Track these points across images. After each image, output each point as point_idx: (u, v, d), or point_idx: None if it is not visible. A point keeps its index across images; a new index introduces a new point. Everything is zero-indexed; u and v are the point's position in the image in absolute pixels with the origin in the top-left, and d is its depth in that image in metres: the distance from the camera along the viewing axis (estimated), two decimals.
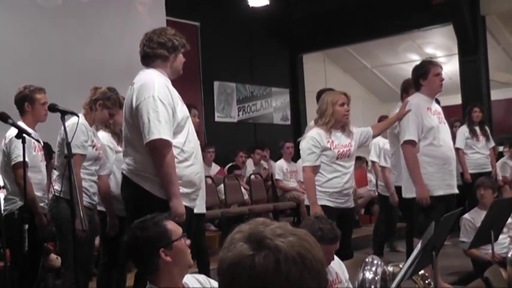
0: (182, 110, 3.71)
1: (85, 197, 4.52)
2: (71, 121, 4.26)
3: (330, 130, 4.86)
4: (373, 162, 7.45)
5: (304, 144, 4.91)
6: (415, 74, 5.39)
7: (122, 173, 3.81)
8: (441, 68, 5.45)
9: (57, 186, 4.41)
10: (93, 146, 4.59)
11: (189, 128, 3.76)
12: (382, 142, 7.01)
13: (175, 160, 3.59)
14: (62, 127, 3.94)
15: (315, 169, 4.84)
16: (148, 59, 3.80)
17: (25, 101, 4.62)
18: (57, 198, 4.38)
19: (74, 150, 4.22)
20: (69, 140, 3.80)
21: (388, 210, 7.13)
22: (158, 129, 3.49)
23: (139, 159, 3.64)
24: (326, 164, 4.83)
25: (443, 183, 5.15)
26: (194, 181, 3.75)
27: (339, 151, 4.83)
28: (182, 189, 3.62)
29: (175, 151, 3.60)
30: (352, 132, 4.99)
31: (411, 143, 5.13)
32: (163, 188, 3.59)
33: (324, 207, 4.73)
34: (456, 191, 5.35)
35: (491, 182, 6.33)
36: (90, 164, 4.61)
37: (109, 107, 4.62)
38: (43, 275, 4.71)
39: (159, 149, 3.52)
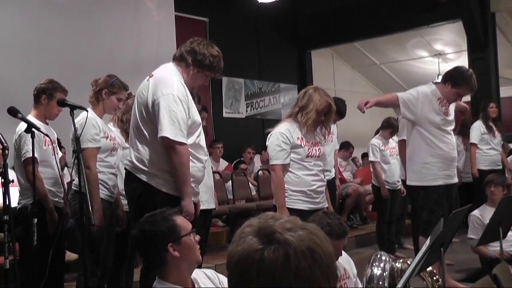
0: (196, 113, 3.73)
1: (104, 190, 4.54)
2: (80, 116, 4.28)
3: (305, 128, 4.43)
4: (372, 162, 7.55)
5: (273, 140, 4.46)
6: (452, 74, 5.40)
7: (125, 169, 3.81)
8: (470, 93, 5.55)
9: (75, 181, 4.44)
10: (107, 137, 4.60)
11: (200, 134, 3.79)
12: (378, 143, 7.53)
13: None
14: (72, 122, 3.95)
15: (285, 168, 4.42)
16: (177, 58, 3.80)
17: (44, 93, 4.61)
18: (75, 192, 4.41)
19: (86, 145, 4.26)
20: (78, 135, 3.81)
21: (381, 199, 7.56)
22: (175, 130, 3.50)
23: (148, 154, 3.63)
24: (296, 161, 4.43)
25: (442, 173, 5.30)
26: (196, 176, 3.77)
27: (309, 149, 4.44)
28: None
29: None
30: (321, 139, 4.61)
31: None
32: (169, 184, 3.60)
33: (296, 211, 4.27)
34: (456, 180, 5.53)
35: (502, 179, 6.33)
36: (107, 156, 4.61)
37: (115, 92, 4.63)
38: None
39: (175, 149, 3.52)
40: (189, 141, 3.65)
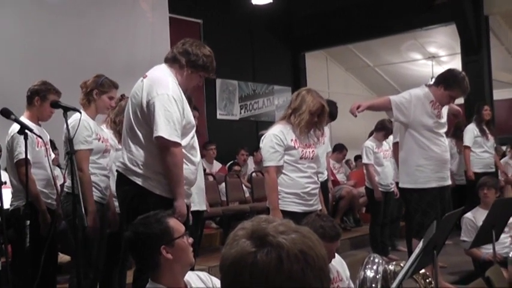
0: (191, 114, 3.73)
1: (96, 191, 4.53)
2: (73, 118, 4.27)
3: (298, 130, 4.42)
4: (365, 164, 7.56)
5: (267, 142, 4.45)
6: (444, 76, 5.40)
7: (117, 171, 3.79)
8: (462, 96, 5.56)
9: (67, 183, 4.42)
10: (99, 139, 4.59)
11: (194, 135, 3.77)
12: (371, 145, 7.55)
13: None
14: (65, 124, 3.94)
15: (278, 170, 4.42)
16: (170, 60, 3.77)
17: (37, 95, 4.60)
18: (67, 194, 4.39)
19: (79, 147, 4.24)
20: (71, 137, 3.80)
21: (374, 201, 7.60)
22: (170, 129, 3.48)
23: (141, 155, 3.61)
24: (289, 163, 4.42)
25: (435, 176, 5.33)
26: (189, 179, 3.75)
27: (302, 150, 4.43)
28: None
29: None
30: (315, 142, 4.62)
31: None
32: (162, 186, 3.58)
33: (290, 213, 4.26)
34: (449, 182, 5.54)
35: (494, 181, 6.35)
36: (99, 157, 4.61)
37: (105, 91, 4.62)
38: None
39: (169, 149, 3.51)
40: (183, 142, 3.63)
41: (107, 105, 4.68)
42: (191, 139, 3.74)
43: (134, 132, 3.66)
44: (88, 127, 4.45)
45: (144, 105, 3.57)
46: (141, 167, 3.61)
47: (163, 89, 3.55)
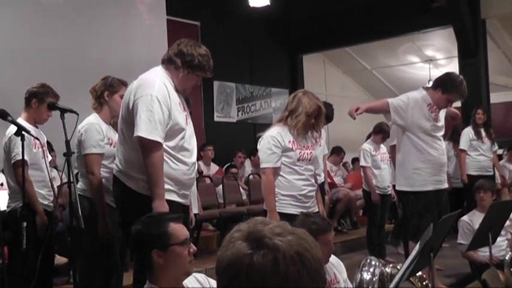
0: (179, 116, 3.65)
1: (107, 195, 4.50)
2: (86, 121, 4.27)
3: (295, 131, 4.40)
4: (363, 167, 7.56)
5: (264, 143, 4.43)
6: (442, 80, 5.41)
7: (113, 173, 3.79)
8: (460, 99, 5.57)
9: (78, 185, 4.37)
10: (110, 144, 4.54)
11: (184, 137, 3.71)
12: (369, 148, 7.51)
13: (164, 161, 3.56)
14: (73, 126, 3.96)
15: (275, 172, 4.40)
16: (166, 61, 3.73)
17: (35, 97, 4.58)
18: (79, 196, 4.36)
19: (90, 150, 4.24)
20: (69, 138, 3.81)
21: (371, 204, 7.57)
22: (150, 128, 3.45)
23: (131, 157, 3.61)
24: (286, 165, 4.40)
25: (432, 179, 5.34)
26: (181, 180, 3.70)
27: (300, 152, 4.41)
28: (169, 187, 3.58)
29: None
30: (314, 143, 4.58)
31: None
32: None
33: (287, 215, 4.25)
34: (446, 185, 5.54)
35: (491, 184, 6.36)
36: (110, 162, 4.54)
37: (116, 91, 4.55)
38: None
39: (148, 148, 3.47)
40: (172, 143, 3.60)
41: (119, 104, 4.62)
42: (180, 140, 3.67)
43: (124, 134, 3.66)
44: (100, 131, 4.38)
45: (130, 107, 3.56)
46: (130, 168, 3.61)
47: (148, 90, 3.52)
